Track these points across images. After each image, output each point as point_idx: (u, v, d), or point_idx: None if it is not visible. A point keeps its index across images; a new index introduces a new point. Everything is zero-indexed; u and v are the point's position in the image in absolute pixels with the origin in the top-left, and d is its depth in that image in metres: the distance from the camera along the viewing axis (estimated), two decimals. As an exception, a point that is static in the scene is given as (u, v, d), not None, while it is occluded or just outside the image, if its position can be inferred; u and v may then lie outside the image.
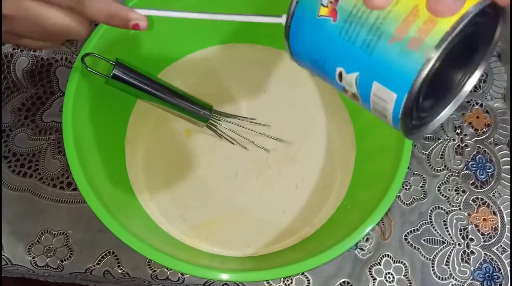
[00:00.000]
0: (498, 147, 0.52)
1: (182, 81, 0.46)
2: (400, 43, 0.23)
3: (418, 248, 0.48)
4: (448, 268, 0.47)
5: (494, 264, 0.48)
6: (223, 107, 0.47)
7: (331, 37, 0.26)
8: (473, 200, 0.50)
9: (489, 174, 0.51)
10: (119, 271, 0.46)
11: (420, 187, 0.50)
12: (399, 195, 0.50)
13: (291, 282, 0.47)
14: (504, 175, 0.51)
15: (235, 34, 0.51)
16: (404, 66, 0.23)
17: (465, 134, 0.52)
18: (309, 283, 0.47)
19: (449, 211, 0.49)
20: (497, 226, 0.49)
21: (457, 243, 0.48)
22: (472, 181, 0.51)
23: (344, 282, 0.47)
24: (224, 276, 0.36)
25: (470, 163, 0.51)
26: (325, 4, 0.26)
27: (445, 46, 0.22)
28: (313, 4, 0.26)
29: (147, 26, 0.33)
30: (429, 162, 0.51)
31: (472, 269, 0.47)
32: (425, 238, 0.48)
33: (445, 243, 0.48)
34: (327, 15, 0.26)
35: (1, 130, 0.51)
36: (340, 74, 0.26)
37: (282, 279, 0.46)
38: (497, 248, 0.48)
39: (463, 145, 0.52)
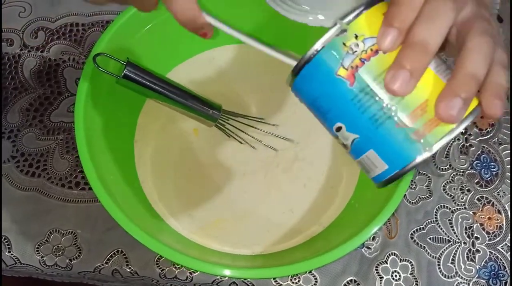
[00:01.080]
0: (502, 146, 0.53)
1: (191, 81, 0.47)
2: (406, 131, 0.26)
3: (424, 247, 0.48)
4: (454, 266, 0.48)
5: (499, 262, 0.48)
6: (232, 107, 0.47)
7: (342, 98, 0.27)
8: (478, 199, 0.51)
9: (494, 173, 0.52)
10: (128, 270, 0.47)
11: (426, 186, 0.51)
12: (405, 194, 0.50)
13: (299, 281, 0.47)
14: (509, 174, 0.51)
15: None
16: (404, 150, 0.27)
17: (470, 134, 0.53)
18: (316, 281, 0.47)
19: (454, 210, 0.50)
20: (502, 224, 0.50)
21: (463, 241, 0.49)
22: (477, 180, 0.51)
23: (351, 280, 0.47)
24: (233, 273, 0.36)
25: (475, 162, 0.52)
26: (345, 66, 0.26)
27: (442, 146, 0.26)
28: (333, 61, 0.27)
29: (211, 37, 0.33)
30: (434, 162, 0.52)
31: (477, 267, 0.48)
32: (431, 236, 0.49)
33: (450, 241, 0.49)
34: (345, 78, 0.26)
35: (1, 131, 0.51)
36: (340, 128, 0.28)
37: (289, 278, 0.47)
38: (502, 246, 0.49)
39: (467, 144, 0.53)
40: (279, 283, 0.47)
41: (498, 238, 0.49)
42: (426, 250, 0.48)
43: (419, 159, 0.26)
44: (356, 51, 0.26)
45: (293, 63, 0.29)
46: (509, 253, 0.48)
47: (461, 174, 0.51)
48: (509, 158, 0.52)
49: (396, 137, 0.26)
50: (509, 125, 0.53)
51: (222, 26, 0.32)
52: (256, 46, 0.32)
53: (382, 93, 0.26)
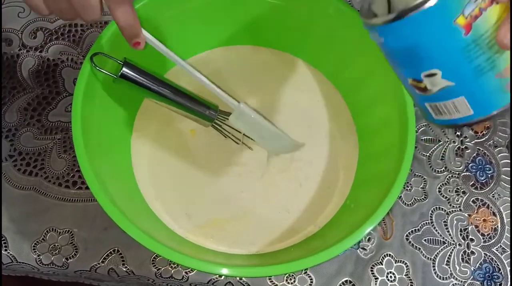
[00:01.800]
0: (497, 149, 0.53)
1: (188, 82, 0.47)
2: (502, 81, 0.28)
3: (419, 248, 0.48)
4: (449, 268, 0.48)
5: (494, 264, 0.48)
6: (228, 108, 0.47)
7: (453, 46, 0.27)
8: (473, 201, 0.51)
9: (489, 175, 0.52)
10: (124, 269, 0.47)
11: (421, 188, 0.51)
12: (401, 196, 0.50)
13: (294, 281, 0.47)
14: (504, 176, 0.52)
15: (240, 36, 0.52)
16: (494, 99, 0.28)
17: (465, 137, 0.53)
18: (312, 282, 0.47)
19: (449, 211, 0.50)
20: (497, 226, 0.50)
21: (458, 243, 0.49)
22: (472, 182, 0.52)
23: (346, 281, 0.47)
24: (228, 271, 0.36)
25: (470, 165, 0.52)
26: (465, 15, 0.26)
27: None
28: (456, 8, 0.26)
29: (143, 48, 0.37)
30: (430, 164, 0.52)
31: (472, 269, 0.48)
32: (426, 238, 0.49)
33: (445, 243, 0.49)
34: (462, 26, 0.26)
35: (0, 130, 0.52)
36: (432, 74, 0.28)
37: (285, 278, 0.47)
38: (496, 248, 0.49)
39: (463, 147, 0.53)
40: (274, 283, 0.47)
41: (493, 240, 0.49)
42: (421, 252, 0.48)
43: (505, 108, 0.28)
44: (477, 0, 0.26)
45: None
46: (507, 254, 0.49)
47: (456, 176, 0.52)
48: (506, 160, 0.52)
49: (492, 87, 0.28)
50: (504, 128, 0.54)
51: (157, 43, 0.38)
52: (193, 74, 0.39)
53: (492, 44, 0.27)
